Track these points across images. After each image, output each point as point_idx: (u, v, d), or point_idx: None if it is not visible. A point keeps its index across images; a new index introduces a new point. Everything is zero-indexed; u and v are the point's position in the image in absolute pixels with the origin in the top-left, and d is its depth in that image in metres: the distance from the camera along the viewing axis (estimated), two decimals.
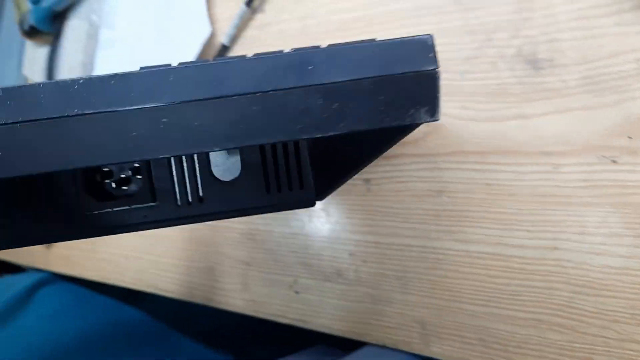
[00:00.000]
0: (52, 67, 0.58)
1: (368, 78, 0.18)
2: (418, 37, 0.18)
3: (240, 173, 0.25)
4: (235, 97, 0.18)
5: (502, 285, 0.33)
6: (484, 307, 0.34)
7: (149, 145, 0.18)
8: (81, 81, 0.18)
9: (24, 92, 0.18)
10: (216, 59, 0.19)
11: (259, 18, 0.43)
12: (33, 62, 0.63)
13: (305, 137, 0.18)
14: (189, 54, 0.46)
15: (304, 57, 0.18)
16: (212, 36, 0.46)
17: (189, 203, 0.25)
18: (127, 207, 0.25)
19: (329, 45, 0.19)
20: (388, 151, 0.37)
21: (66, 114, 0.17)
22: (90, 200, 0.24)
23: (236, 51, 0.45)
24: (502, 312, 0.33)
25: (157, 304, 0.55)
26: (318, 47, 0.19)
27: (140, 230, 0.25)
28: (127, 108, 0.18)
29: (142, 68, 0.18)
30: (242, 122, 0.18)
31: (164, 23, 0.49)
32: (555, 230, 0.31)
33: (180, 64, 0.18)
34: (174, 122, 0.18)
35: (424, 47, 0.18)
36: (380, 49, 0.18)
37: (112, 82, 0.17)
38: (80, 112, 0.18)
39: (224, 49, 0.45)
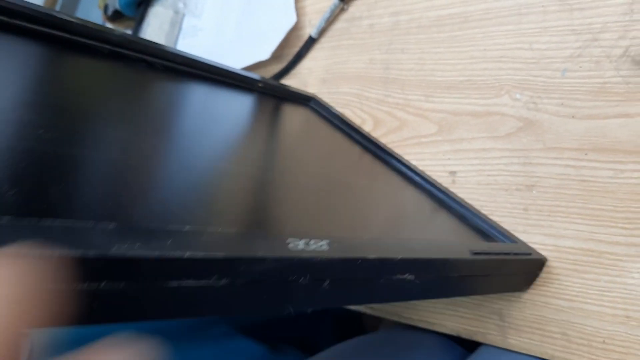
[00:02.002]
0: None
1: None
2: None
3: None
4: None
5: (590, 280, 0.34)
6: (569, 302, 0.34)
7: None
8: None
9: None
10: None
11: (350, 11, 0.45)
12: None
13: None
14: (272, 42, 0.48)
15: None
16: (300, 28, 0.48)
17: None
18: None
19: None
20: (477, 144, 0.38)
21: None
22: None
23: (323, 44, 0.47)
24: (589, 307, 0.34)
25: None
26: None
27: None
28: None
29: None
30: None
31: (250, 12, 0.51)
32: None
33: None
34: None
35: None
36: None
37: None
38: None
39: (312, 41, 0.47)
